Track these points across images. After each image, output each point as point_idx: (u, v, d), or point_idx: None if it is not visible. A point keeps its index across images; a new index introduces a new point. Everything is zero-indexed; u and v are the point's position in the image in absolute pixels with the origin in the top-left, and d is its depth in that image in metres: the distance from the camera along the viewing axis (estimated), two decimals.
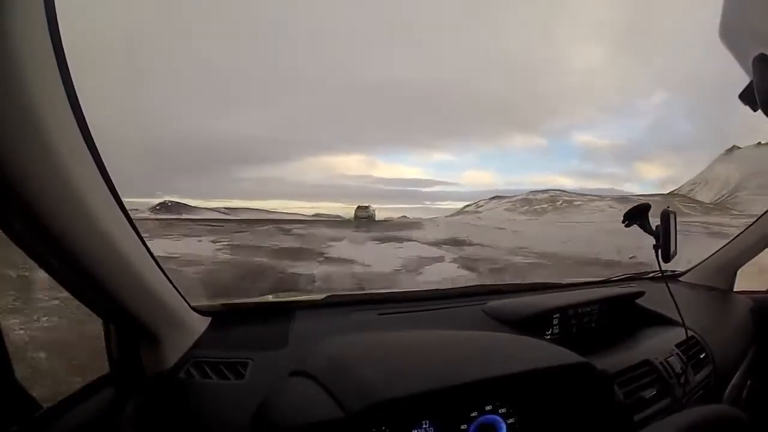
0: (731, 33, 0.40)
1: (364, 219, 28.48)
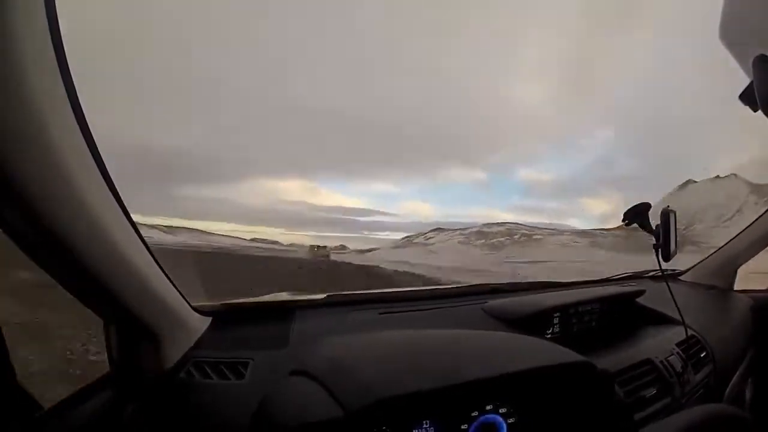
0: (731, 33, 0.40)
1: (323, 259, 27.62)
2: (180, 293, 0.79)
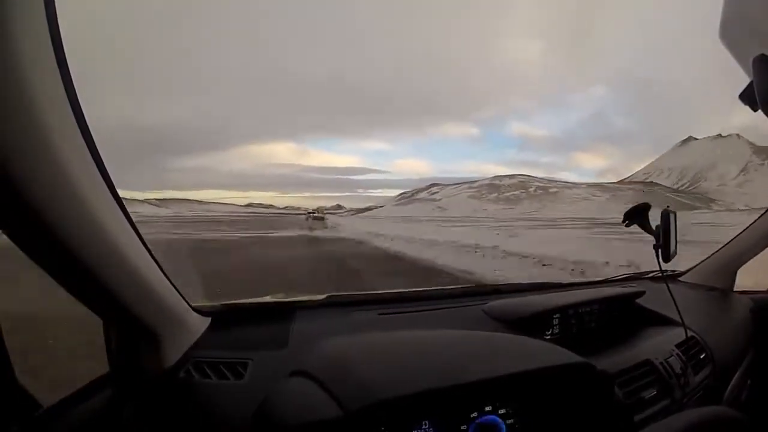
0: (731, 33, 0.40)
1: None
2: (179, 293, 0.79)
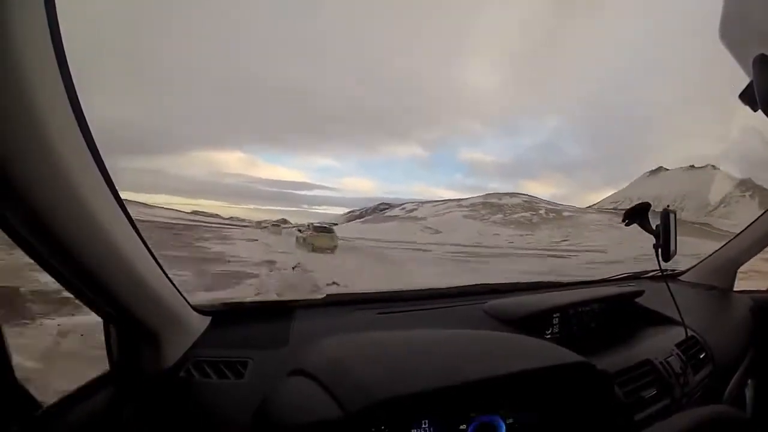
0: (731, 33, 0.40)
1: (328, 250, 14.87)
2: (180, 293, 0.79)
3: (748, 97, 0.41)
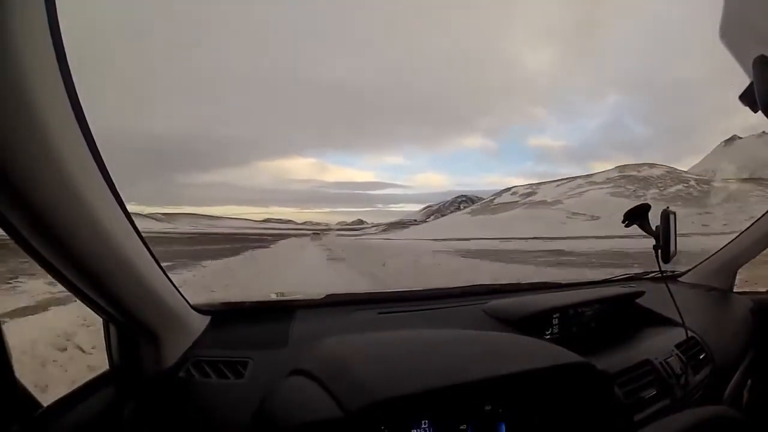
0: (731, 33, 0.40)
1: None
2: (180, 293, 0.79)
3: (748, 97, 0.41)
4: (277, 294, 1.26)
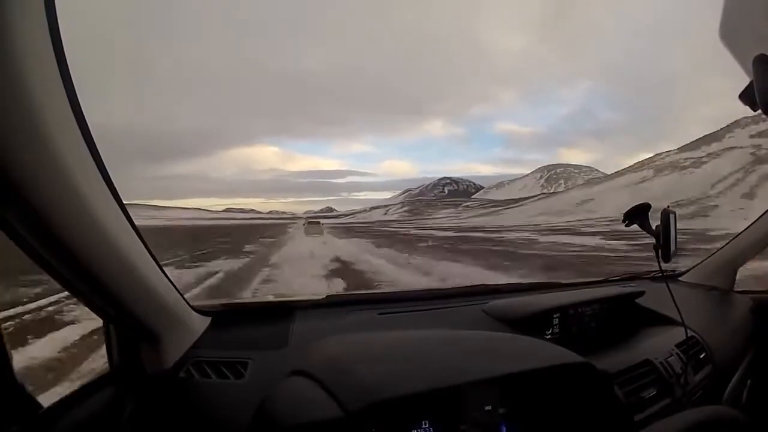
0: (731, 33, 0.40)
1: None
2: (180, 293, 0.79)
3: (748, 97, 0.41)
4: (276, 295, 1.26)
